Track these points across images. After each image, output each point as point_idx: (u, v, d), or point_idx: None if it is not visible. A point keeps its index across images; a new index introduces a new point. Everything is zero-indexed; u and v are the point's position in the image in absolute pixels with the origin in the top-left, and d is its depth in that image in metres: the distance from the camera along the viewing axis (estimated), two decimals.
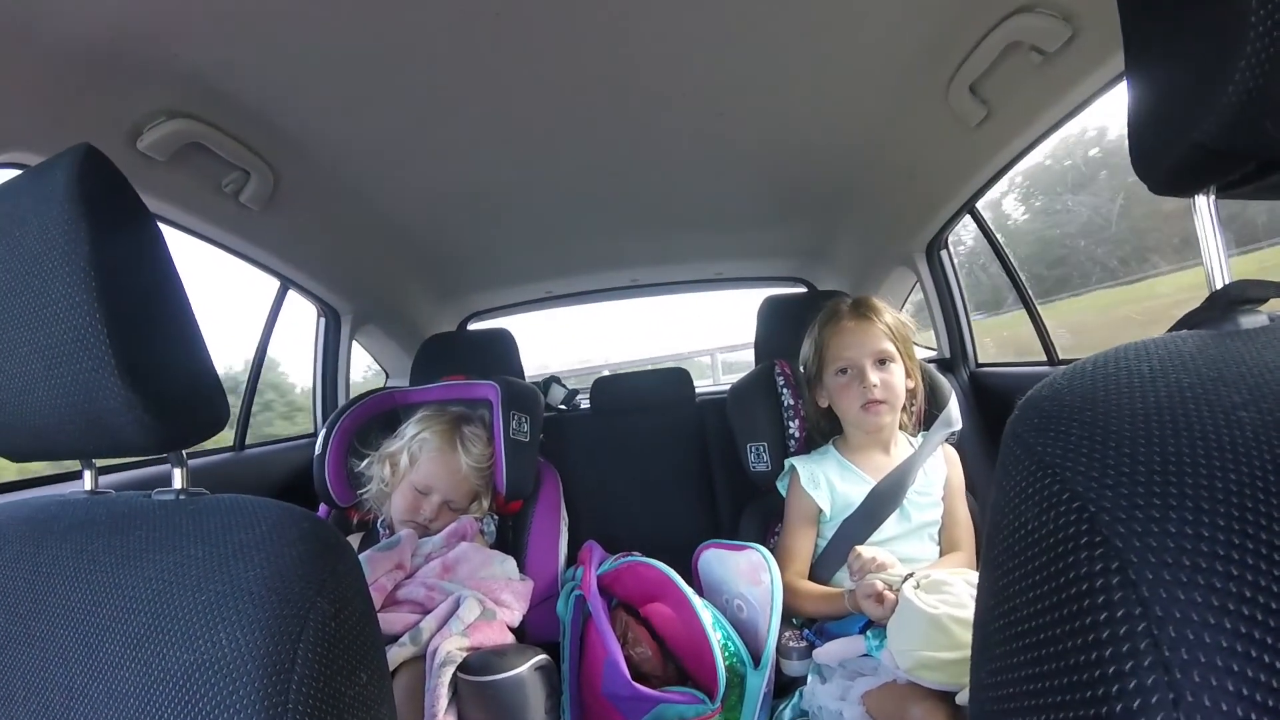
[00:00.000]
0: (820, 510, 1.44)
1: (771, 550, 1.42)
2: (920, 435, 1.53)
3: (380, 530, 1.60)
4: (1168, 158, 0.47)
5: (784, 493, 1.55)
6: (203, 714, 0.46)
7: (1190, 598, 0.29)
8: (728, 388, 1.91)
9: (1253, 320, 0.44)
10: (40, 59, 1.03)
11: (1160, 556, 0.30)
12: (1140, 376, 0.38)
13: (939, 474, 1.47)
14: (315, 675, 0.48)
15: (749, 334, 1.97)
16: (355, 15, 1.10)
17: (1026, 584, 0.35)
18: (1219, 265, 0.50)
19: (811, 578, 1.42)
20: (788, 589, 1.35)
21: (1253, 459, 0.32)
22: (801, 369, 1.60)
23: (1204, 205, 0.50)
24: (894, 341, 1.46)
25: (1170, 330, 0.46)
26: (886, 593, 1.18)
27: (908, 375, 1.47)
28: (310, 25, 1.11)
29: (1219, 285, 0.49)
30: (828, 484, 1.46)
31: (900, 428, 1.52)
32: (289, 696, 0.46)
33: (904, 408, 1.49)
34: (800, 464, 1.51)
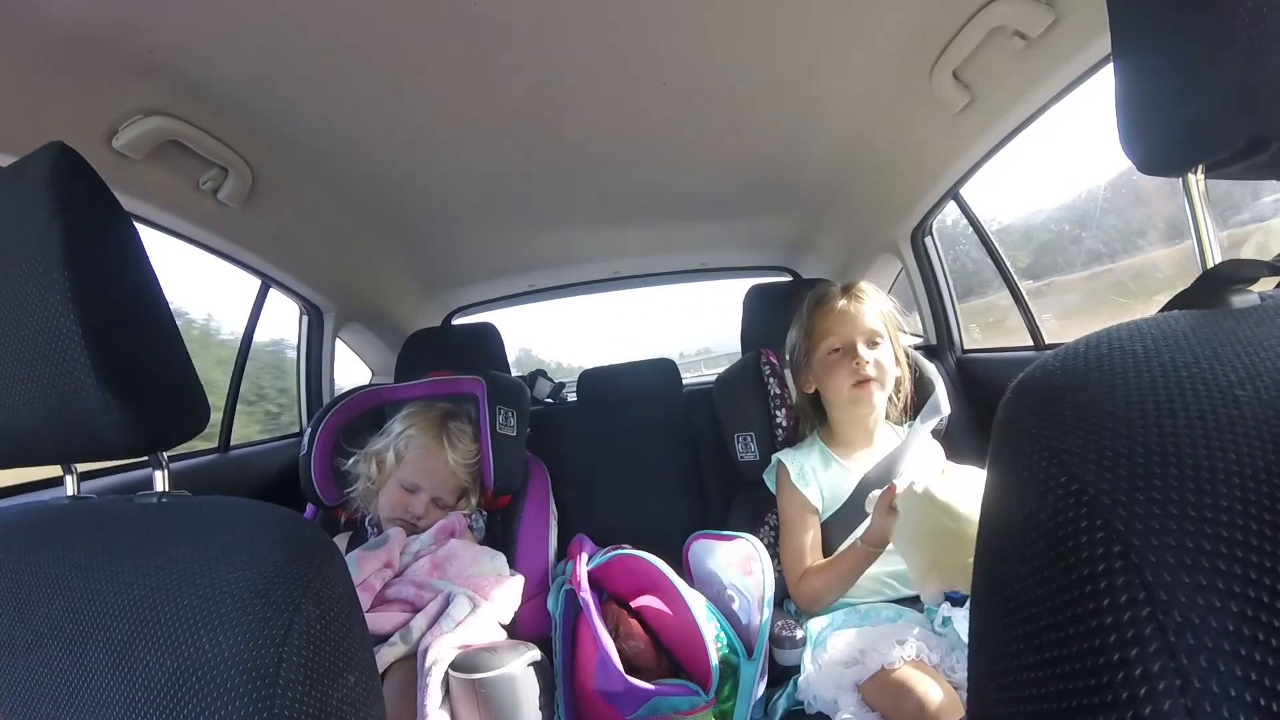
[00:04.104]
0: (814, 506, 1.44)
1: (770, 550, 1.42)
2: (907, 425, 1.53)
3: (368, 529, 1.59)
4: (1156, 137, 0.47)
5: (771, 488, 1.55)
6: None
7: (1194, 581, 0.29)
8: (713, 378, 1.92)
9: (1244, 300, 0.44)
10: (13, 56, 1.01)
11: (1163, 540, 0.30)
12: (1134, 356, 0.38)
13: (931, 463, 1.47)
14: (301, 679, 0.47)
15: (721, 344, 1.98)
16: (333, 12, 1.08)
17: (1026, 570, 0.35)
18: (1209, 245, 0.50)
19: None
20: (806, 584, 1.36)
21: (1251, 438, 0.32)
22: (788, 356, 1.60)
23: (1193, 185, 0.49)
24: (884, 324, 1.47)
25: (1162, 310, 0.46)
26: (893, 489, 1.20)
27: (895, 362, 1.47)
28: (288, 22, 1.09)
29: (1210, 265, 0.49)
30: (815, 478, 1.46)
31: (885, 417, 1.52)
32: (275, 701, 0.45)
33: (891, 396, 1.49)
34: (788, 459, 1.51)
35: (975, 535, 0.90)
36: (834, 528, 1.41)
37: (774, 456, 1.56)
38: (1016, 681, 0.34)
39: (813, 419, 1.59)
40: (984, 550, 0.40)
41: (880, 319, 1.47)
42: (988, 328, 2.28)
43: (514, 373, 2.56)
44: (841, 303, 1.48)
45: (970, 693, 0.40)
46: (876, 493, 1.26)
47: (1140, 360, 0.37)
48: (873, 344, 1.44)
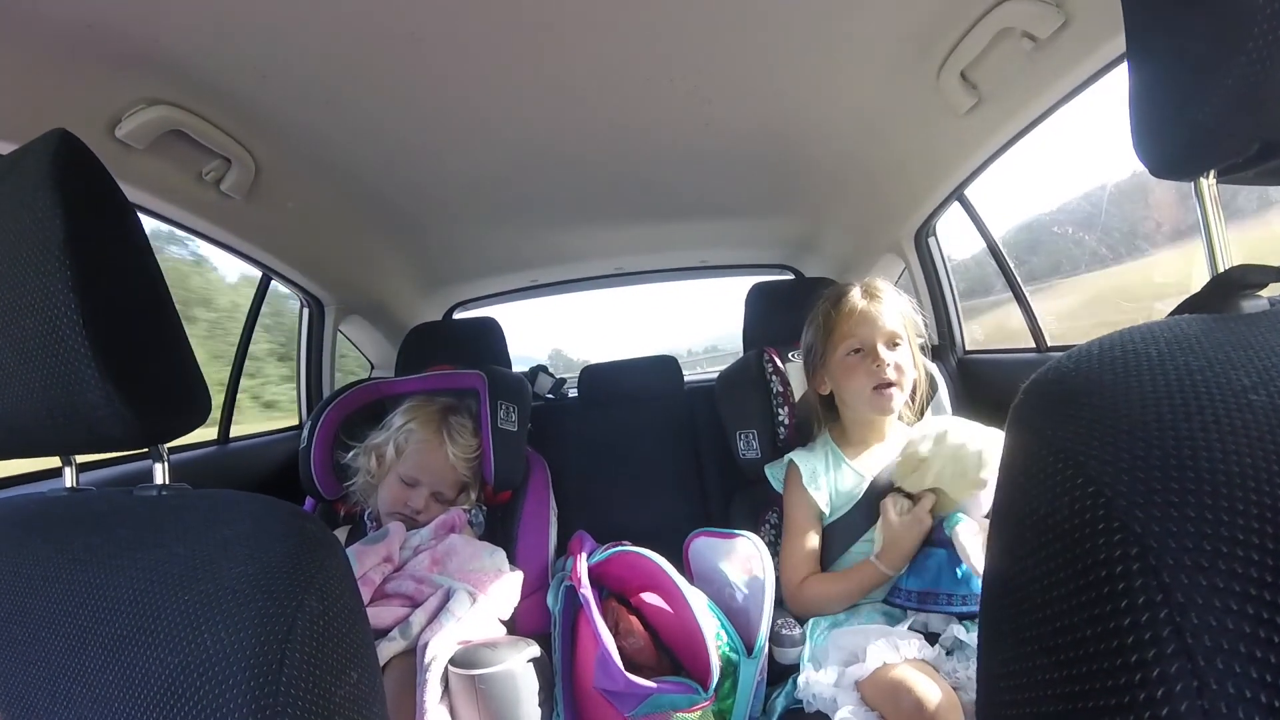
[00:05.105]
0: (821, 511, 1.43)
1: (770, 549, 1.41)
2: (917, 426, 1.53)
3: (367, 523, 1.59)
4: (1169, 140, 0.47)
5: (776, 486, 1.55)
6: (190, 717, 0.45)
7: (1212, 583, 0.29)
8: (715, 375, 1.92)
9: (1254, 305, 0.44)
10: (15, 44, 1.01)
11: (1180, 541, 0.30)
12: (1148, 359, 0.38)
13: None
14: (304, 675, 0.47)
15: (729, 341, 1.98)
16: (337, 3, 1.08)
17: (1040, 571, 0.35)
18: (1220, 249, 0.50)
19: None
20: (806, 592, 1.36)
21: (1265, 442, 0.32)
22: (804, 356, 1.58)
23: (1205, 189, 0.49)
24: (903, 325, 1.45)
25: (1172, 314, 0.46)
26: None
27: (913, 363, 1.46)
28: (292, 13, 1.09)
29: (1220, 270, 0.49)
30: (826, 481, 1.45)
31: (900, 418, 1.51)
32: (278, 697, 0.45)
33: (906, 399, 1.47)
34: (801, 460, 1.49)
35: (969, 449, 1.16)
36: (840, 530, 1.40)
37: (787, 456, 1.54)
38: (1030, 682, 0.34)
39: (824, 419, 1.57)
40: (996, 550, 0.40)
41: (900, 320, 1.44)
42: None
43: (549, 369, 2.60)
44: (861, 303, 1.45)
45: (980, 693, 0.40)
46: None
47: (1155, 363, 0.37)
48: (893, 345, 1.42)
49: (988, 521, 1.08)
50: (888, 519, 1.29)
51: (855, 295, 1.47)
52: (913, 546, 1.27)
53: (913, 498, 1.30)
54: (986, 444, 1.24)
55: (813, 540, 1.43)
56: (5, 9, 0.96)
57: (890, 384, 1.39)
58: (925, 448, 1.28)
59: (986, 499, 1.25)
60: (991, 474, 1.23)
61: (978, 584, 1.21)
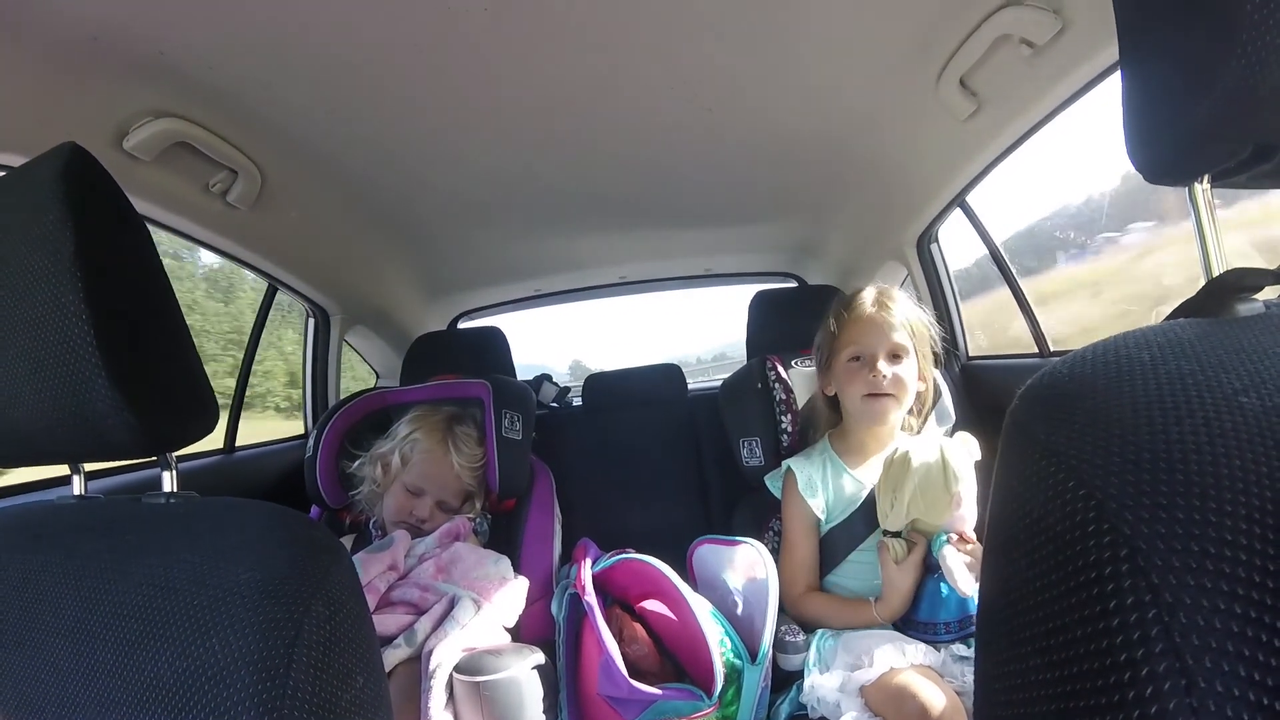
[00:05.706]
0: (818, 518, 1.44)
1: (774, 556, 1.40)
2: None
3: (373, 531, 1.59)
4: (1163, 145, 0.47)
5: (776, 493, 1.55)
6: None
7: (1200, 584, 0.29)
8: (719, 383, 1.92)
9: (1249, 308, 0.45)
10: (23, 58, 1.02)
11: (1169, 543, 0.30)
12: (1141, 364, 0.38)
13: None
14: (311, 680, 0.47)
15: (737, 349, 1.97)
16: (342, 14, 1.09)
17: (1034, 573, 0.35)
18: (1215, 253, 0.50)
19: None
20: (805, 607, 1.37)
21: (1255, 444, 0.32)
22: (814, 355, 1.58)
23: (1199, 194, 0.50)
24: (911, 338, 1.43)
25: (1168, 318, 0.46)
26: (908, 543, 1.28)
27: (920, 376, 1.44)
28: (297, 24, 1.10)
29: (1215, 274, 0.49)
30: (823, 487, 1.45)
31: (902, 427, 1.50)
32: (284, 702, 0.45)
33: (911, 409, 1.47)
34: (797, 467, 1.49)
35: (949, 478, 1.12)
36: (840, 536, 1.40)
37: (784, 463, 1.53)
38: (1024, 683, 0.35)
39: (829, 420, 1.57)
40: (991, 552, 0.41)
41: (908, 332, 1.42)
42: None
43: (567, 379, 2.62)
44: (870, 311, 1.44)
45: (977, 694, 0.40)
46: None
47: (1147, 368, 0.38)
48: (894, 358, 1.40)
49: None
50: (887, 570, 1.28)
51: (867, 301, 1.46)
52: (908, 591, 1.26)
53: (900, 535, 1.29)
54: (948, 457, 1.24)
55: (811, 548, 1.43)
56: (12, 23, 0.97)
57: (884, 394, 1.39)
58: (891, 486, 1.28)
59: (970, 512, 1.26)
60: (967, 486, 1.24)
61: (974, 606, 1.20)
